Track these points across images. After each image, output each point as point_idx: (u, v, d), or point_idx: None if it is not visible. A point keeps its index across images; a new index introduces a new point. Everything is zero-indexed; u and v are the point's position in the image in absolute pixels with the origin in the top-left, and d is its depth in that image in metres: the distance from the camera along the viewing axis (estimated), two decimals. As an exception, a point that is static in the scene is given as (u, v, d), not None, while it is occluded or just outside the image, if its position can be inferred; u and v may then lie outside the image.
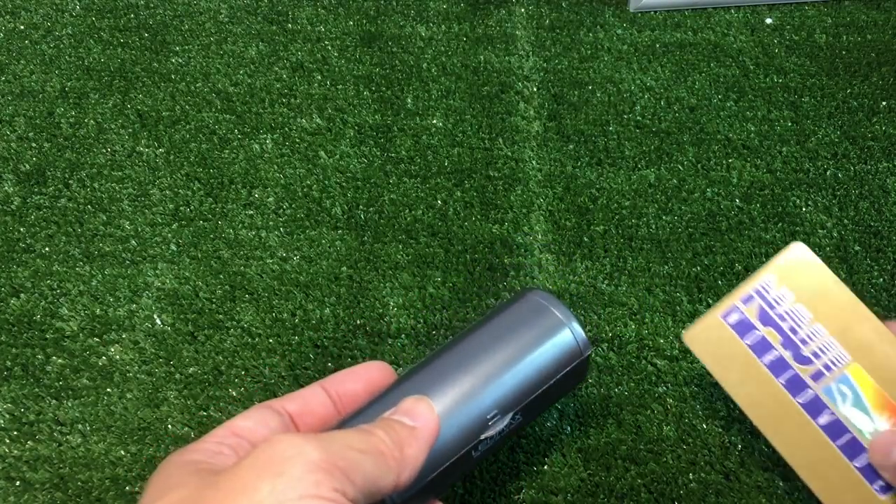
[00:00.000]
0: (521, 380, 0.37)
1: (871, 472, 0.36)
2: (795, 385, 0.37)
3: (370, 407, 0.36)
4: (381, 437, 0.30)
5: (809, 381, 0.37)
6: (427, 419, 0.33)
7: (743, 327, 0.38)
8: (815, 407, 0.37)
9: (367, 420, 0.34)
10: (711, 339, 0.39)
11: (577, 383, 0.41)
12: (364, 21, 0.73)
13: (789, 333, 0.37)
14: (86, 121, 0.64)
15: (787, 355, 0.37)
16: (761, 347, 0.38)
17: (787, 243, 0.55)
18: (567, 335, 0.38)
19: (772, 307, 0.38)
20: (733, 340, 0.39)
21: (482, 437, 0.36)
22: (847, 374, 0.36)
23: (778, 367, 0.38)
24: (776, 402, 0.38)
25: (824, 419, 0.37)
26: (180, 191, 0.59)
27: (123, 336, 0.50)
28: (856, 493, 0.36)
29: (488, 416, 0.36)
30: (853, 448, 0.36)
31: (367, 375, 0.37)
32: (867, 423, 0.36)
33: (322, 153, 0.61)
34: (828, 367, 0.37)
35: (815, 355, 0.37)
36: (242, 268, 0.54)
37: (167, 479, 0.29)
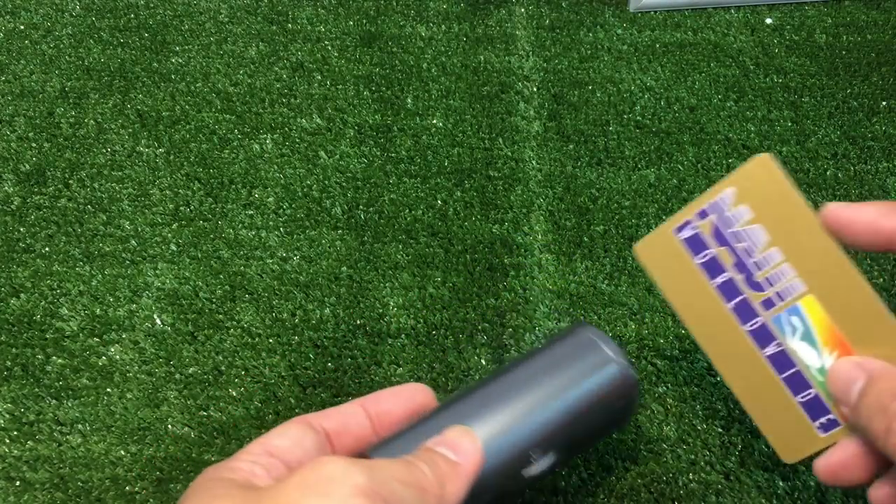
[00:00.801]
0: (568, 419, 0.35)
1: (813, 408, 0.34)
2: (744, 311, 0.35)
3: (409, 431, 0.34)
4: (425, 472, 0.30)
5: (759, 309, 0.34)
6: (471, 455, 0.32)
7: (695, 244, 0.36)
8: (762, 336, 0.34)
9: (406, 446, 0.33)
10: (662, 253, 0.37)
11: (625, 421, 0.39)
12: (364, 21, 0.73)
13: (743, 255, 0.34)
14: (86, 121, 0.64)
15: (739, 279, 0.34)
16: (712, 268, 0.35)
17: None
18: (622, 374, 0.36)
19: (727, 224, 0.35)
20: (684, 257, 0.36)
21: (524, 474, 0.35)
22: (799, 306, 0.33)
23: (728, 290, 0.35)
24: (723, 327, 0.35)
25: (771, 349, 0.34)
26: (180, 191, 0.59)
27: (123, 336, 0.50)
28: (796, 427, 0.34)
29: (532, 454, 0.35)
30: (798, 382, 0.34)
31: (409, 397, 0.36)
32: (815, 359, 0.33)
33: (322, 153, 0.61)
34: (780, 296, 0.34)
35: (769, 282, 0.34)
36: (242, 268, 0.54)
37: (211, 491, 0.29)
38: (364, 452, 0.34)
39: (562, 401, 0.35)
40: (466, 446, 0.32)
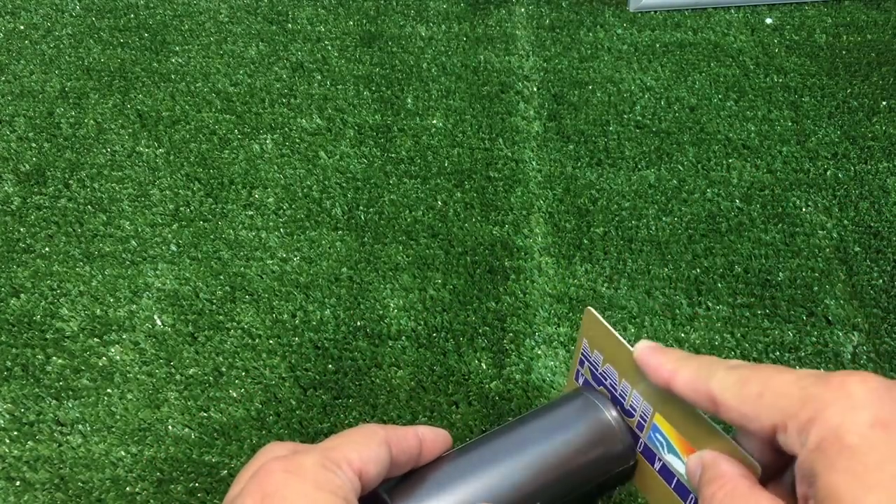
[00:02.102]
0: (565, 479, 0.37)
1: None
2: (633, 435, 0.39)
3: (414, 475, 0.36)
4: None
5: (638, 432, 0.39)
6: None
7: (588, 386, 0.41)
8: (648, 454, 0.38)
9: (414, 491, 0.34)
10: None
11: (619, 484, 0.41)
12: (364, 21, 0.73)
13: (612, 389, 0.39)
14: (86, 121, 0.64)
15: (619, 409, 0.39)
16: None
17: (787, 244, 0.55)
18: (620, 441, 0.39)
19: (596, 368, 0.40)
20: None
21: None
22: (656, 424, 0.37)
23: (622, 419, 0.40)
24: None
25: (658, 464, 0.38)
26: (180, 191, 0.59)
27: (124, 336, 0.50)
28: None
29: None
30: (682, 489, 0.37)
31: (428, 439, 0.37)
32: (681, 467, 0.36)
33: (322, 153, 0.61)
34: (643, 419, 0.38)
35: (633, 408, 0.38)
36: (242, 268, 0.54)
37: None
38: (376, 489, 0.35)
39: (562, 462, 0.37)
40: None
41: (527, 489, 0.36)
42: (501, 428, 0.39)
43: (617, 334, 0.38)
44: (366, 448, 0.32)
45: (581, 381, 0.42)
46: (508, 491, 0.36)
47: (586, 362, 0.41)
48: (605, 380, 0.40)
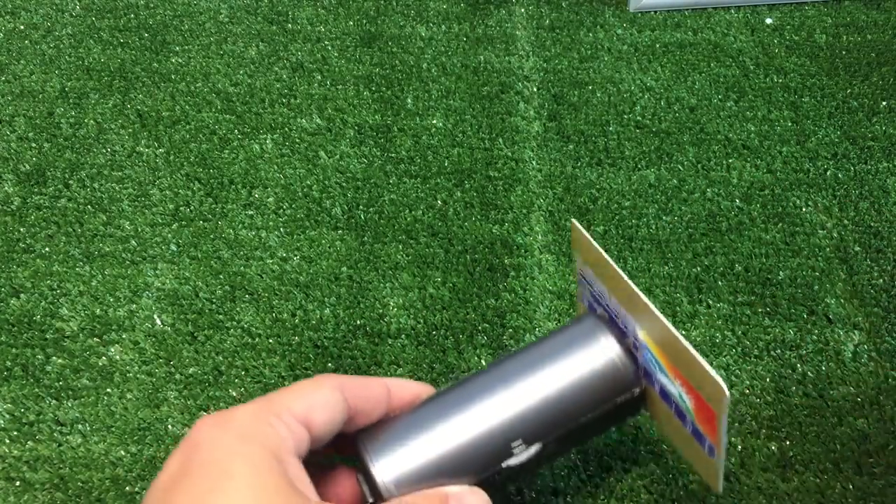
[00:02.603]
0: (553, 410, 0.34)
1: (698, 434, 0.35)
2: (635, 360, 0.36)
3: (399, 422, 0.35)
4: None
5: (635, 352, 0.36)
6: None
7: (592, 308, 0.39)
8: (648, 376, 0.36)
9: (393, 437, 0.33)
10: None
11: (626, 417, 0.38)
12: (364, 21, 0.73)
13: (608, 309, 0.37)
14: (86, 121, 0.64)
15: (618, 330, 0.36)
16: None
17: (787, 244, 0.55)
18: (613, 366, 0.35)
19: (592, 286, 0.38)
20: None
21: (504, 464, 0.34)
22: (646, 345, 0.34)
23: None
24: None
25: (657, 386, 0.35)
26: (180, 191, 0.59)
27: (123, 336, 0.50)
28: (695, 450, 0.35)
29: (513, 444, 0.34)
30: (679, 412, 0.35)
31: (395, 386, 0.36)
32: (675, 389, 0.34)
33: (322, 153, 0.61)
34: (636, 340, 0.35)
35: (627, 328, 0.35)
36: (242, 268, 0.54)
37: (250, 459, 0.28)
38: (354, 435, 0.34)
39: (549, 390, 0.34)
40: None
41: (509, 423, 0.34)
42: (495, 362, 0.37)
43: (601, 249, 0.35)
44: (312, 394, 0.31)
45: (585, 301, 0.39)
46: (487, 426, 0.34)
47: (584, 281, 0.38)
48: (601, 298, 0.37)
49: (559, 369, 0.35)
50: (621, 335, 0.36)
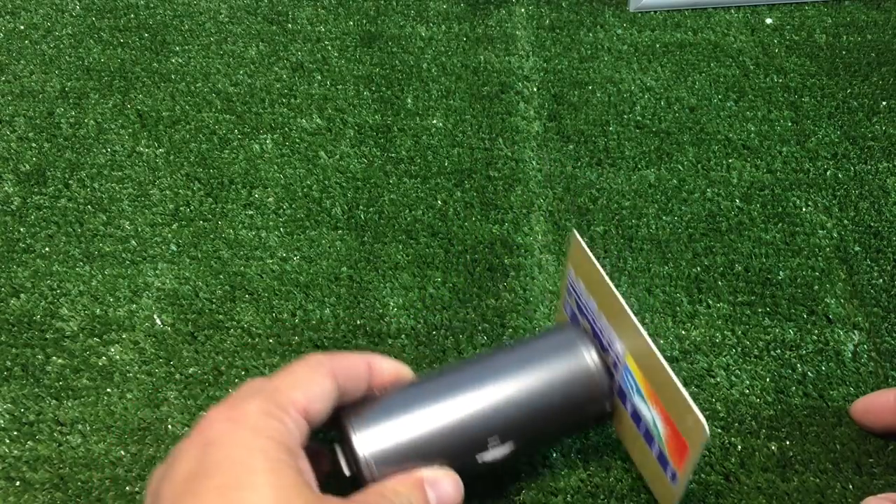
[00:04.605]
0: (530, 413, 0.37)
1: (663, 459, 0.35)
2: (611, 376, 0.37)
3: (382, 402, 0.36)
4: None
5: (613, 371, 0.37)
6: (449, 499, 0.33)
7: (574, 319, 0.39)
8: (622, 395, 0.37)
9: (376, 416, 0.34)
10: None
11: (594, 425, 0.40)
12: (364, 21, 0.73)
13: (592, 324, 0.38)
14: (86, 121, 0.64)
15: (598, 347, 0.37)
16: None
17: (787, 243, 0.55)
18: (591, 379, 0.37)
19: (580, 298, 0.38)
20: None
21: (479, 460, 0.36)
22: (627, 365, 0.35)
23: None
24: None
25: (630, 407, 0.36)
26: (180, 191, 0.59)
27: (123, 336, 0.50)
28: (656, 473, 0.36)
29: (489, 440, 0.36)
30: (648, 436, 0.36)
31: (399, 368, 0.38)
32: (647, 412, 0.35)
33: (322, 153, 0.61)
34: (617, 358, 0.36)
35: (610, 345, 0.37)
36: (242, 268, 0.54)
37: (266, 454, 0.30)
38: (338, 414, 0.35)
39: (525, 393, 0.36)
40: (447, 489, 0.34)
41: (489, 418, 0.36)
42: (478, 355, 0.39)
43: (598, 264, 0.36)
44: (310, 385, 0.33)
45: (568, 311, 0.40)
46: (467, 417, 0.36)
47: (573, 292, 0.39)
48: (587, 312, 0.38)
49: (540, 374, 0.37)
50: (602, 350, 0.38)
